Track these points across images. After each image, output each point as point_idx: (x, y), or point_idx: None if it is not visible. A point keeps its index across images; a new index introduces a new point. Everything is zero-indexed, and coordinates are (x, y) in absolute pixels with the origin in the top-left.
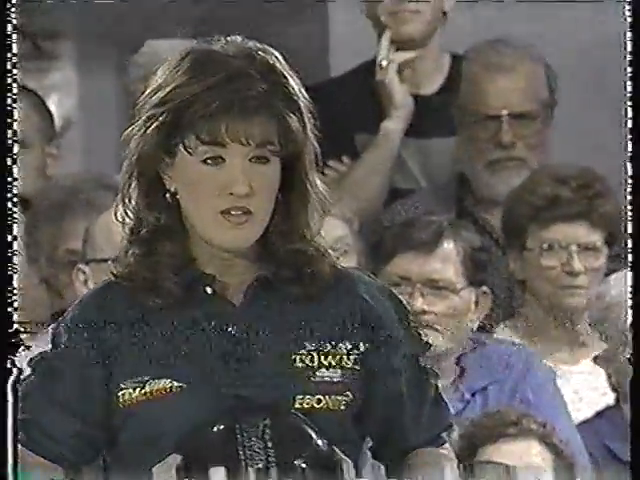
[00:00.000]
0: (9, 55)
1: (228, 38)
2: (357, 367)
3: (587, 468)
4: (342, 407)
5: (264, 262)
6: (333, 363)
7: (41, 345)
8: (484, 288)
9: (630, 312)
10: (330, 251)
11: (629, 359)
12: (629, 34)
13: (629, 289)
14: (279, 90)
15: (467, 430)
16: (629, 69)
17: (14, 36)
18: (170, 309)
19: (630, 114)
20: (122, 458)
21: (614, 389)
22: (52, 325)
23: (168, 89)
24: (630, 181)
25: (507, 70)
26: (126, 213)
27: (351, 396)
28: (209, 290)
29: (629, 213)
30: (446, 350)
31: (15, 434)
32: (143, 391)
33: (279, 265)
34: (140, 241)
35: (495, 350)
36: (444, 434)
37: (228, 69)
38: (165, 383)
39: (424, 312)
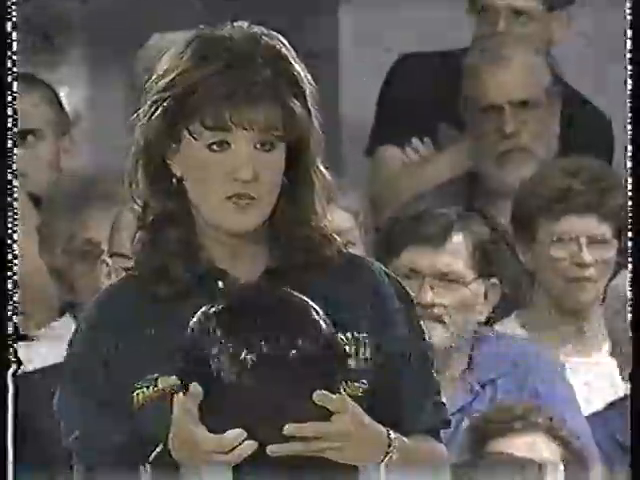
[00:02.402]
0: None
1: (234, 23)
2: (369, 356)
3: (597, 462)
4: (360, 394)
5: (272, 249)
6: (347, 351)
7: (49, 336)
8: (493, 280)
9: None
10: (337, 236)
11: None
12: (629, 34)
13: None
14: (284, 76)
15: (475, 424)
16: (629, 67)
17: (14, 33)
18: (181, 302)
19: (630, 115)
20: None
21: (625, 381)
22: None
23: (173, 75)
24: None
25: (506, 60)
26: (133, 200)
27: (366, 385)
28: (221, 284)
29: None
30: (454, 343)
31: (15, 432)
32: (155, 389)
33: (287, 252)
34: (147, 227)
35: (504, 342)
36: (442, 431)
37: (232, 54)
38: (175, 379)
39: (433, 305)
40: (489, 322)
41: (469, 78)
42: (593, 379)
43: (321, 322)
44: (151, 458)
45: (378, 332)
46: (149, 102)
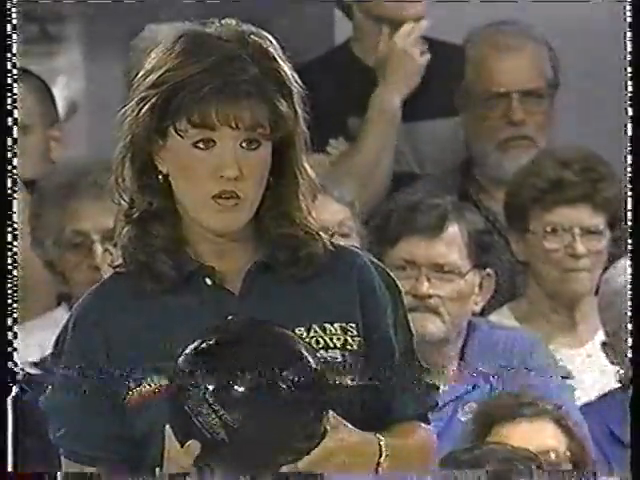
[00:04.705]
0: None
1: (222, 21)
2: (357, 348)
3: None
4: (350, 384)
5: (258, 246)
6: (335, 344)
7: (46, 328)
8: (488, 270)
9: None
10: (322, 233)
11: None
12: (629, 34)
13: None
14: (271, 74)
15: (483, 408)
16: (629, 69)
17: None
18: (169, 299)
19: (630, 116)
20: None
21: (618, 373)
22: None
23: (160, 72)
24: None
25: (514, 49)
26: (120, 195)
27: (357, 375)
28: (209, 281)
29: (629, 202)
30: (450, 333)
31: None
32: (145, 389)
33: (273, 249)
34: (133, 223)
35: (498, 334)
36: (429, 414)
37: (220, 52)
38: (165, 379)
39: (429, 296)
40: (483, 313)
41: (474, 66)
42: (586, 370)
43: (306, 353)
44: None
45: (366, 323)
46: (137, 98)
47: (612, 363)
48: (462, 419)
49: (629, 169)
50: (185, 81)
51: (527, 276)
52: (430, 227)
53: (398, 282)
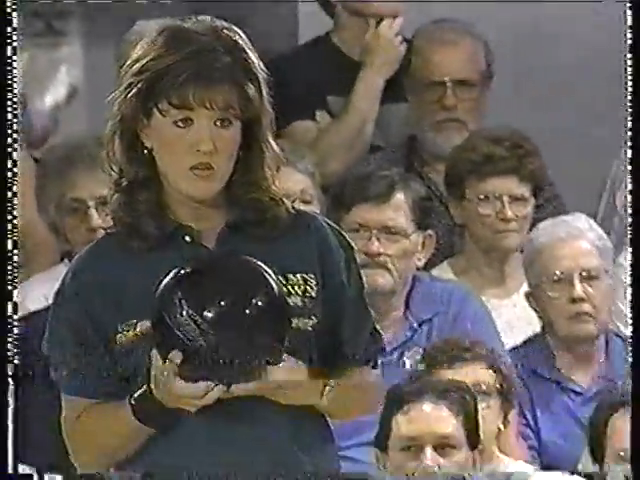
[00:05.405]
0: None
1: (199, 18)
2: (315, 295)
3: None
4: (309, 328)
5: (229, 209)
6: (296, 291)
7: (51, 280)
8: (430, 231)
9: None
10: (285, 199)
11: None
12: (629, 34)
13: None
14: (240, 63)
15: (428, 353)
16: (629, 70)
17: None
18: (153, 254)
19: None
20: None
21: (540, 319)
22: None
23: (145, 60)
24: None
25: (451, 44)
26: (110, 167)
27: (315, 320)
28: (188, 238)
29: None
30: (397, 286)
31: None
32: (134, 332)
33: (242, 212)
34: (122, 190)
35: (438, 286)
36: (378, 358)
37: (197, 44)
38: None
39: (379, 254)
40: (426, 267)
41: (417, 58)
42: (513, 317)
43: (272, 282)
44: (136, 395)
45: (323, 273)
46: (125, 83)
47: (535, 311)
48: (408, 362)
49: (629, 168)
50: (166, 69)
51: (463, 236)
52: (380, 195)
53: (351, 241)
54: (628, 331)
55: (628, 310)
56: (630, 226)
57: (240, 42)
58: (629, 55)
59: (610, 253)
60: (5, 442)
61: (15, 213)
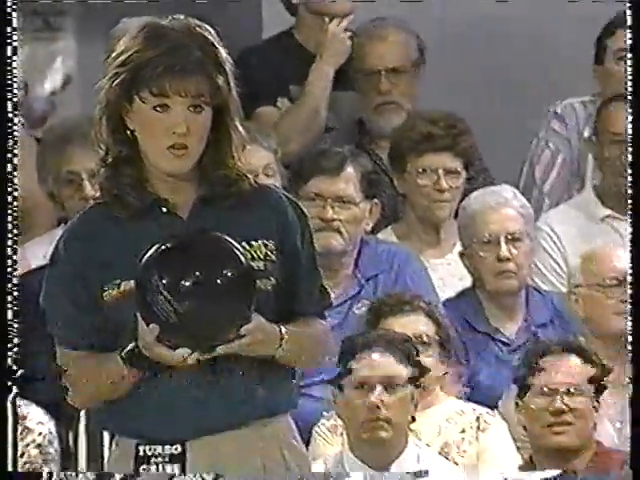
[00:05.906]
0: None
1: (174, 16)
2: (275, 259)
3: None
4: (269, 288)
5: (201, 184)
6: (259, 256)
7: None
8: (376, 200)
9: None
10: (250, 175)
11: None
12: (629, 34)
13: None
14: (210, 57)
15: (373, 306)
16: (630, 70)
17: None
18: (134, 223)
19: (630, 113)
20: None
21: (471, 274)
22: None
23: (128, 54)
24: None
25: (383, 37)
26: (98, 145)
27: (274, 281)
28: (164, 209)
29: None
30: (347, 247)
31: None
32: (118, 291)
33: (211, 186)
34: (108, 166)
35: (383, 248)
36: (325, 312)
37: (173, 40)
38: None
39: (333, 220)
40: (373, 232)
41: (358, 50)
42: (446, 275)
43: (239, 255)
44: (125, 351)
45: (281, 240)
46: (110, 74)
47: (467, 269)
48: (357, 313)
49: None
50: (146, 61)
51: (405, 205)
52: (333, 168)
53: (305, 211)
54: (545, 287)
55: (628, 310)
56: (630, 226)
57: (210, 38)
58: (629, 55)
59: (532, 219)
60: (5, 442)
61: (16, 185)
